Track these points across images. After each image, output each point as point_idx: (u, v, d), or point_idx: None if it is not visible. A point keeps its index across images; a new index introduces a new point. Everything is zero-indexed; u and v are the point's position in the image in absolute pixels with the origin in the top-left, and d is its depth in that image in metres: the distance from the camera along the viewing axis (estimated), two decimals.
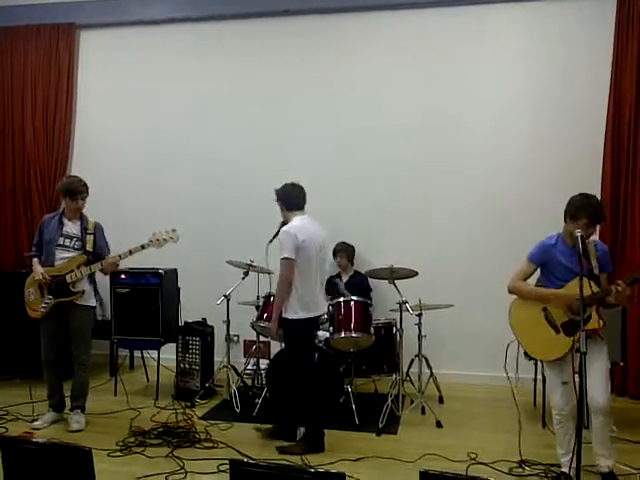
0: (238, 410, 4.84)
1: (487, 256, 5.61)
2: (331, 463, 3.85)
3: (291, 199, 4.20)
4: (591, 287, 3.23)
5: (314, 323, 4.23)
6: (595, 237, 3.63)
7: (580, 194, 3.46)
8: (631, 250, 5.24)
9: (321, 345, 4.71)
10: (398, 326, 4.88)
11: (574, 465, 3.35)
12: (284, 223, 4.20)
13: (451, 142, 5.74)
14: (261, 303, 4.96)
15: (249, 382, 5.41)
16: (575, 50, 5.48)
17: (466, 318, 5.54)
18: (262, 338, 5.33)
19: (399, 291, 4.76)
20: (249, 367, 5.53)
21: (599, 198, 3.62)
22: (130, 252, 4.43)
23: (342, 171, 5.89)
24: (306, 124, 6.02)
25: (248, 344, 5.68)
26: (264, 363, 5.33)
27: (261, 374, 5.39)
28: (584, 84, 5.45)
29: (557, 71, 5.52)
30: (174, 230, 4.56)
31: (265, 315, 4.77)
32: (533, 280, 3.69)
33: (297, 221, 4.13)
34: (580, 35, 5.47)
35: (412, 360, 5.17)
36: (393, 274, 4.82)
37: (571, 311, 3.38)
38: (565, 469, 3.54)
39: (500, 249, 5.56)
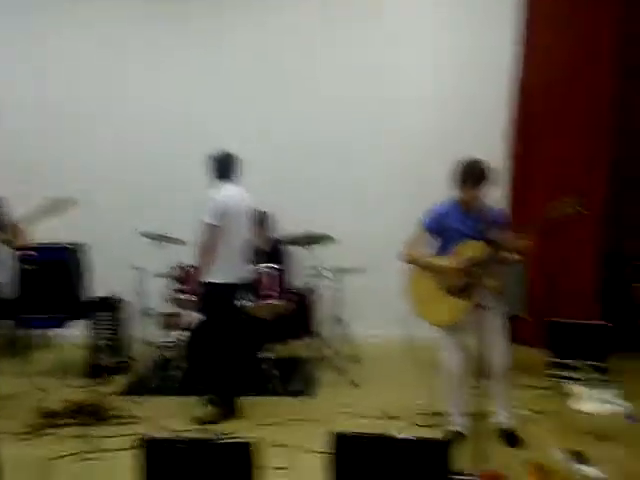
0: (156, 384, 4.79)
1: (400, 219, 5.68)
2: (250, 430, 3.88)
3: (223, 168, 4.22)
4: (475, 250, 3.34)
5: (235, 289, 4.24)
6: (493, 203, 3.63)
7: (467, 158, 3.48)
8: (532, 210, 5.52)
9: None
10: (314, 291, 4.93)
11: (464, 423, 3.63)
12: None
13: (362, 108, 5.79)
14: (178, 275, 4.87)
15: (167, 355, 5.34)
16: (480, 17, 5.63)
17: (380, 280, 5.63)
18: (179, 310, 5.24)
19: (315, 256, 4.80)
20: (167, 340, 5.44)
21: (490, 162, 3.53)
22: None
23: (254, 137, 5.79)
24: (216, 92, 5.90)
25: (165, 317, 5.57)
26: (182, 335, 5.26)
27: (180, 346, 5.32)
28: (487, 51, 5.59)
29: (461, 39, 5.66)
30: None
31: (182, 287, 4.70)
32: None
33: (225, 189, 4.15)
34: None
35: (329, 323, 5.27)
36: (308, 240, 4.85)
37: (466, 276, 3.42)
38: (458, 428, 3.68)
39: (413, 213, 5.68)
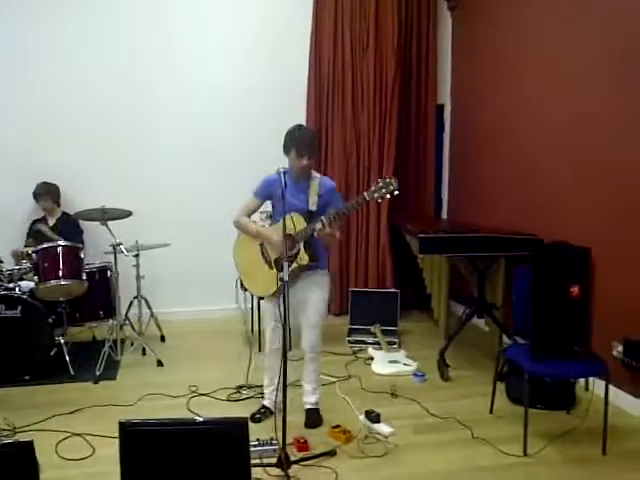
0: None
1: (202, 193, 5.64)
2: (43, 420, 3.59)
3: None
4: (295, 223, 3.26)
5: None
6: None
7: (294, 125, 3.41)
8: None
9: (25, 297, 4.26)
10: (113, 269, 4.66)
11: (278, 399, 3.47)
12: None
13: (164, 79, 5.57)
14: None
15: None
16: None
17: (184, 256, 5.52)
18: None
19: (112, 233, 4.51)
20: None
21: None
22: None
23: (41, 104, 5.31)
24: None
25: None
26: None
27: None
28: (288, 30, 5.68)
29: (266, 18, 5.69)
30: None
31: None
32: None
33: None
34: None
35: (131, 302, 5.03)
36: (105, 215, 4.53)
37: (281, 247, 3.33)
38: (266, 402, 3.69)
39: (215, 185, 5.63)
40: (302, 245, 3.30)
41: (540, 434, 3.41)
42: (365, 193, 3.13)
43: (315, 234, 3.20)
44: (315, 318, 3.47)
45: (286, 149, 3.37)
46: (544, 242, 4.18)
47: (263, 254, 3.50)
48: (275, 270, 3.40)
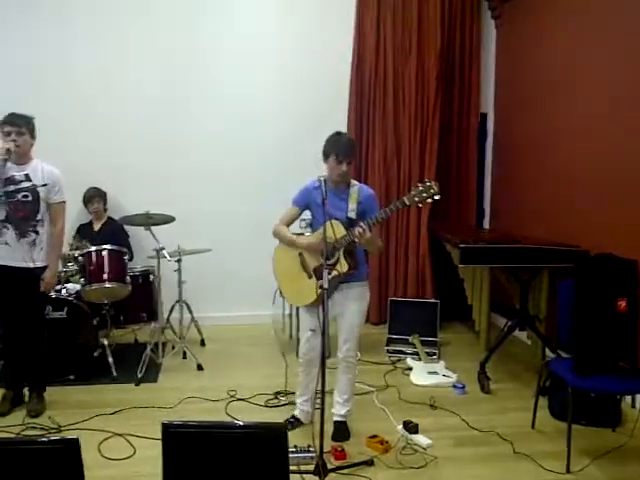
0: None
1: (244, 199, 5.69)
2: (86, 420, 3.67)
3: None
4: (335, 230, 3.20)
5: None
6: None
7: (333, 132, 3.40)
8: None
9: (71, 299, 4.38)
10: (156, 273, 4.75)
11: (308, 410, 3.59)
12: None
13: (208, 87, 5.67)
14: None
15: None
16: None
17: (226, 261, 5.60)
18: None
19: (155, 237, 4.61)
20: None
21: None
22: None
23: (88, 115, 5.50)
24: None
25: None
26: None
27: None
28: (330, 35, 5.72)
29: (305, 17, 5.72)
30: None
31: None
32: None
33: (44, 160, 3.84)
34: None
35: (173, 306, 5.10)
36: (149, 220, 4.63)
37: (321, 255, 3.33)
38: (296, 412, 3.65)
39: (257, 191, 5.68)
40: (342, 253, 3.26)
41: (584, 451, 3.32)
42: (405, 197, 3.09)
43: (356, 240, 3.16)
44: (352, 330, 3.42)
45: (325, 155, 3.36)
46: (589, 254, 4.08)
47: (302, 263, 3.46)
48: (315, 279, 3.36)
